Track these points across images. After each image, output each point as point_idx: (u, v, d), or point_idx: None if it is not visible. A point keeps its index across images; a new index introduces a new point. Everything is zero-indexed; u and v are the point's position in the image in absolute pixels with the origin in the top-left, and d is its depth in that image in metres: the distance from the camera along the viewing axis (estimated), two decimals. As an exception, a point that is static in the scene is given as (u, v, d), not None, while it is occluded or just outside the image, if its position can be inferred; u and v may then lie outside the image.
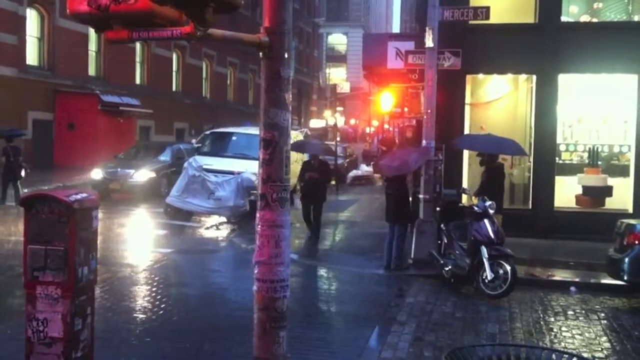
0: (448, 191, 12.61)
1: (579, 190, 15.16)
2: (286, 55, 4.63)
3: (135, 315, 8.55)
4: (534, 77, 15.16)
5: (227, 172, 16.37)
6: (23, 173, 17.64)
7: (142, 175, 19.98)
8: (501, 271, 9.71)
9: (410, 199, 12.77)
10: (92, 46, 29.67)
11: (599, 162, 15.25)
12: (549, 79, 14.73)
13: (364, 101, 62.64)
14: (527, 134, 15.39)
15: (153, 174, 20.22)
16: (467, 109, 15.41)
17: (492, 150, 11.99)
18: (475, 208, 10.32)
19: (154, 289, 9.90)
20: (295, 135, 20.59)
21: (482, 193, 11.12)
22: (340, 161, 28.80)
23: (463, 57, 12.63)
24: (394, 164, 11.91)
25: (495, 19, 12.81)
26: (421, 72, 13.60)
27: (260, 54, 4.64)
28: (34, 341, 5.30)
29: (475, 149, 12.93)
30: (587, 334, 8.19)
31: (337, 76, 70.09)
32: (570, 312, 9.16)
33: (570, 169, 15.28)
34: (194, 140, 26.88)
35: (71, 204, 5.26)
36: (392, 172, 11.74)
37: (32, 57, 26.31)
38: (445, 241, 11.09)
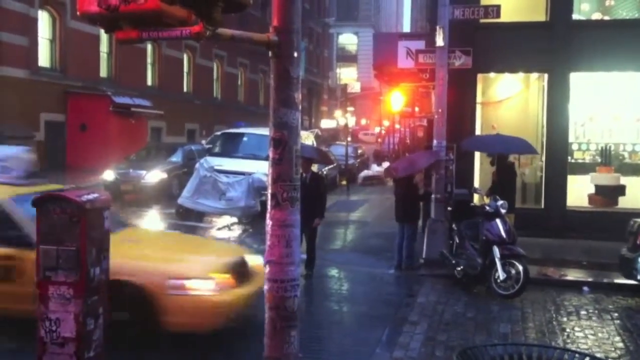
0: (459, 191, 12.57)
1: (592, 190, 15.07)
2: (295, 55, 4.62)
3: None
4: (546, 75, 15.10)
5: (238, 173, 16.41)
6: None
7: (154, 176, 20.05)
8: (513, 271, 9.67)
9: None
10: (104, 47, 29.80)
11: (612, 161, 15.16)
12: (561, 77, 14.66)
13: (374, 101, 62.60)
14: (539, 132, 15.33)
15: (164, 175, 20.28)
16: (478, 108, 15.38)
17: (500, 150, 11.96)
18: (487, 207, 10.29)
19: (166, 289, 9.90)
20: (306, 136, 20.60)
21: (493, 192, 11.09)
22: (351, 161, 28.79)
23: (474, 56, 12.58)
24: (401, 165, 12.05)
25: (506, 17, 12.76)
26: (432, 71, 13.58)
27: (270, 53, 4.64)
28: (47, 341, 5.33)
29: (484, 151, 12.90)
30: (600, 334, 8.14)
31: (347, 76, 70.05)
32: (583, 312, 9.11)
33: (583, 168, 15.20)
34: (203, 141, 26.96)
35: (83, 204, 5.30)
36: (401, 173, 11.78)
37: (43, 58, 26.44)
38: (457, 241, 11.06)
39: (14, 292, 6.76)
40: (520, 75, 15.81)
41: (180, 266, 7.21)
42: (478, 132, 14.95)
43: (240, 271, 7.56)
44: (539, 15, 15.05)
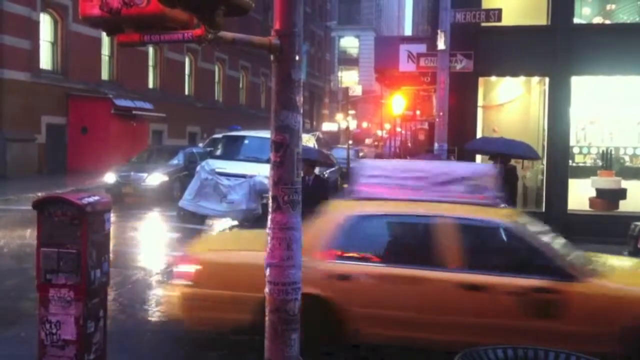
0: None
1: (593, 193, 15.07)
2: (297, 58, 4.63)
3: (148, 318, 8.57)
4: (547, 79, 15.11)
5: (239, 176, 16.39)
6: None
7: (155, 178, 20.07)
8: (514, 274, 9.64)
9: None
10: (105, 50, 29.86)
11: (613, 165, 15.16)
12: (562, 81, 14.67)
13: (376, 104, 62.65)
14: (540, 136, 15.33)
15: (166, 178, 20.30)
16: (479, 111, 15.38)
17: (502, 150, 11.96)
18: (488, 211, 10.25)
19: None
20: (307, 139, 20.59)
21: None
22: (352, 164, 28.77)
23: (475, 59, 12.61)
24: None
25: (507, 21, 12.79)
26: (433, 74, 13.61)
27: (272, 56, 4.65)
28: (47, 344, 5.32)
29: (486, 151, 12.92)
30: (601, 338, 8.10)
31: (349, 79, 70.19)
32: (584, 316, 9.06)
33: (584, 172, 15.20)
34: (200, 144, 26.95)
35: (83, 206, 5.29)
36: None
37: (45, 61, 26.50)
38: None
39: (556, 331, 6.15)
40: (522, 78, 15.82)
41: None
42: (479, 135, 14.96)
43: None
44: (540, 19, 15.06)
